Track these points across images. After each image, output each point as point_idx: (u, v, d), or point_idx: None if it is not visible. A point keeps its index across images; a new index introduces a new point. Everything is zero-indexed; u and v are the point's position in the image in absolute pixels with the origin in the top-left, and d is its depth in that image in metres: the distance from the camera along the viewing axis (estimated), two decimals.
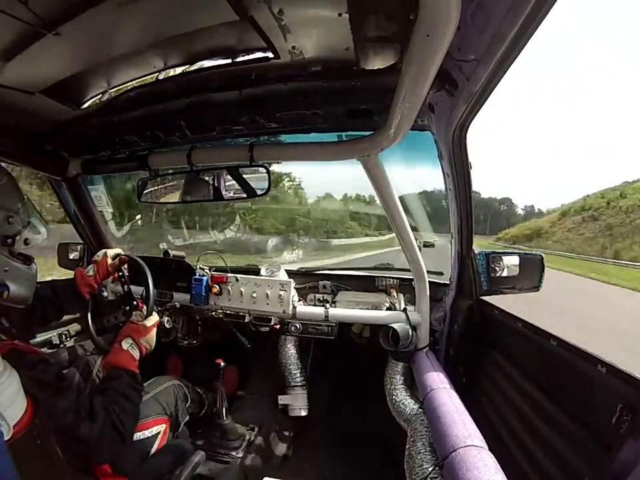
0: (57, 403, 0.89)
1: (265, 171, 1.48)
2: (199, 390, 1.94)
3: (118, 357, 1.21)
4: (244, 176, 1.51)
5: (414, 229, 1.63)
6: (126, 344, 1.24)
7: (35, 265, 1.10)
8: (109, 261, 1.55)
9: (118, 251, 1.62)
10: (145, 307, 1.41)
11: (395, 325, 1.64)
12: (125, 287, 1.54)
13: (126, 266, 1.70)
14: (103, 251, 1.58)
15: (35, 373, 0.89)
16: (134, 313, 1.39)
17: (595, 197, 63.73)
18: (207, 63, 1.14)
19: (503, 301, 1.50)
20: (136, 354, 1.25)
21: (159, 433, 1.45)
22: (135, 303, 1.46)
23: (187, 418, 1.71)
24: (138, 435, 1.33)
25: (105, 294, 2.10)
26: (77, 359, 1.89)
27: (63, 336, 2.00)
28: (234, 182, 1.53)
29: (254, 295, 1.87)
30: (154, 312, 1.42)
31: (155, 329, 1.36)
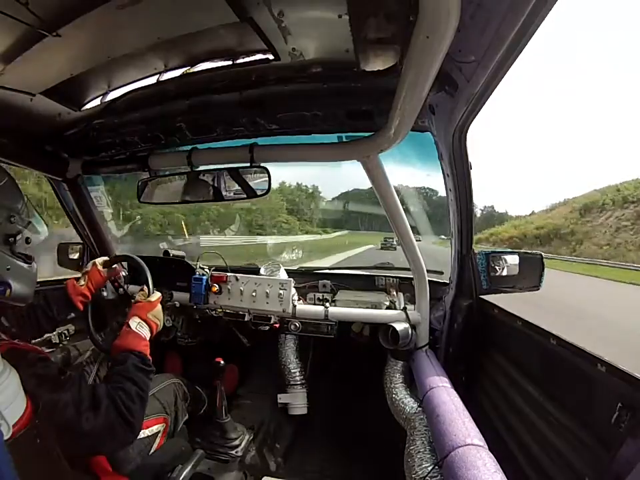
0: (58, 398, 0.87)
1: (265, 171, 1.48)
2: (198, 388, 1.94)
3: (125, 339, 1.15)
4: (244, 177, 1.51)
5: (414, 229, 1.64)
6: (133, 323, 1.20)
7: (35, 264, 1.10)
8: (99, 267, 1.53)
9: (105, 258, 1.60)
10: (146, 288, 1.39)
11: (394, 324, 1.65)
12: (120, 289, 1.55)
13: (125, 264, 1.71)
14: (92, 261, 1.56)
15: (35, 370, 0.88)
16: (137, 294, 1.37)
17: (632, 186, 46.78)
18: (208, 65, 1.15)
19: None
20: (145, 332, 1.21)
21: (158, 432, 1.45)
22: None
23: (187, 417, 1.72)
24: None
25: (105, 293, 2.11)
26: (71, 360, 1.89)
27: (62, 335, 2.00)
28: (234, 183, 1.54)
29: (254, 294, 1.88)
30: (155, 291, 1.39)
31: (159, 304, 1.33)
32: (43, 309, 1.39)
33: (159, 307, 1.33)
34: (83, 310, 1.48)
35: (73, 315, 1.47)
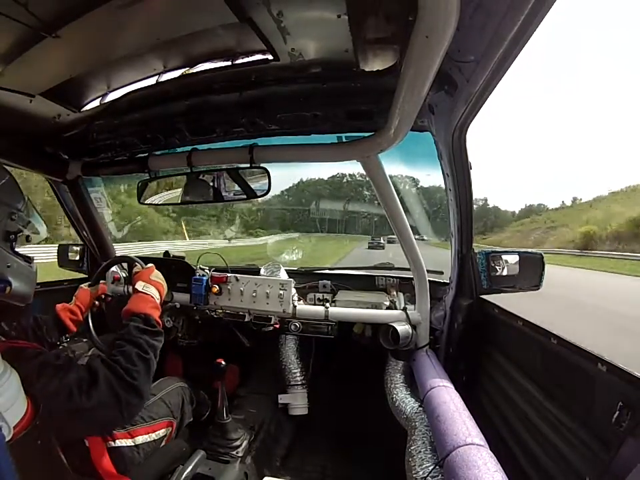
0: (60, 384, 0.87)
1: (265, 172, 1.48)
2: (203, 393, 1.94)
3: (132, 302, 1.20)
4: (244, 177, 1.51)
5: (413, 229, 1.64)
6: (139, 285, 1.27)
7: (35, 266, 1.10)
8: (85, 287, 1.55)
9: (88, 282, 1.61)
10: (137, 264, 1.45)
11: (395, 324, 1.65)
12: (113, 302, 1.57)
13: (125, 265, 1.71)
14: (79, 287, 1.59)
15: (34, 364, 0.88)
16: (133, 270, 1.43)
17: None
18: (207, 65, 1.15)
19: None
20: (152, 291, 1.27)
21: (165, 435, 1.44)
22: None
23: (191, 419, 1.72)
24: (145, 438, 1.33)
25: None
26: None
27: (62, 337, 2.00)
28: (234, 183, 1.54)
29: (254, 294, 1.87)
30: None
31: (156, 270, 1.40)
32: (32, 329, 1.36)
33: (157, 271, 1.39)
34: (75, 330, 1.48)
35: (64, 337, 1.47)
